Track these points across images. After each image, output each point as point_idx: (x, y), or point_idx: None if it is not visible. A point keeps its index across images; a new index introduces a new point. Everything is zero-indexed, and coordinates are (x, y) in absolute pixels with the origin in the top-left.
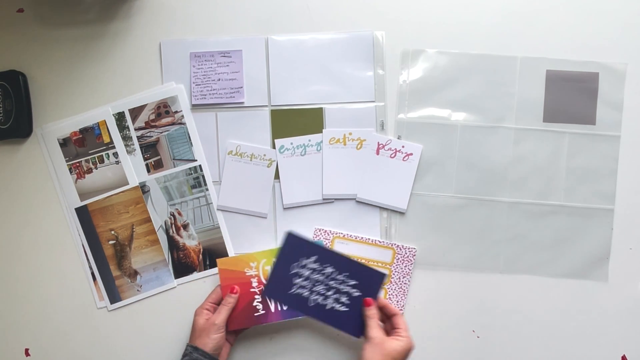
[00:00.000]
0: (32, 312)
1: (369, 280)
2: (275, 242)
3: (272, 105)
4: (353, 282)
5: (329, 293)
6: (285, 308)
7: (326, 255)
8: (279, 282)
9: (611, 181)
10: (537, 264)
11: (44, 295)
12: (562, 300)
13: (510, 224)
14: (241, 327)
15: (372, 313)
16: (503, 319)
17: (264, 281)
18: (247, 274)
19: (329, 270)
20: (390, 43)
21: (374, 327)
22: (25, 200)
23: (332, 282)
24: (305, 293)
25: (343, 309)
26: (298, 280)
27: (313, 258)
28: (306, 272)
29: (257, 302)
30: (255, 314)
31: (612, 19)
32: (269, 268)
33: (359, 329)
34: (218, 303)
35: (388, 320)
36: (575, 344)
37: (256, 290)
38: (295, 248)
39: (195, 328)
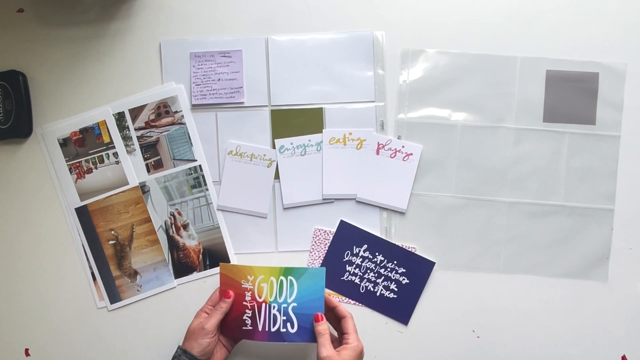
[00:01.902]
0: (32, 312)
1: (418, 268)
2: (275, 245)
3: (272, 105)
4: (402, 270)
5: (379, 280)
6: (273, 329)
7: (377, 244)
8: (332, 269)
9: (611, 181)
10: (537, 264)
11: (44, 295)
12: (562, 300)
13: (510, 224)
14: (230, 336)
15: (322, 329)
16: (503, 319)
17: (258, 299)
18: (242, 285)
19: (380, 258)
20: (390, 43)
21: (325, 345)
22: (25, 200)
23: (382, 270)
24: (357, 280)
25: (392, 296)
26: (350, 268)
27: (364, 246)
28: (358, 260)
29: (247, 316)
30: (243, 328)
31: (612, 19)
32: (265, 286)
33: (406, 315)
34: (215, 306)
35: (338, 324)
36: (575, 344)
37: (247, 304)
38: (347, 236)
39: (188, 330)
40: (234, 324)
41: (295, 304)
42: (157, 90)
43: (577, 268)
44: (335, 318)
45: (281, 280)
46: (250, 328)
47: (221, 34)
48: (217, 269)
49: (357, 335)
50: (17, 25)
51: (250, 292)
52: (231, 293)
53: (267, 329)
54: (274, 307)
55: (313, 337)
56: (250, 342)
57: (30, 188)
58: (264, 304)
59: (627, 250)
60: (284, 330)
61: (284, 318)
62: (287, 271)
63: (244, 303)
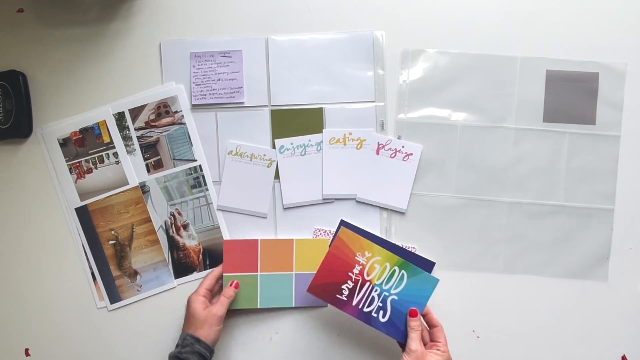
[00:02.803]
0: (32, 312)
1: (420, 267)
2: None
3: (272, 105)
4: None
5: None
6: (366, 310)
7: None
8: None
9: (611, 181)
10: (537, 264)
11: (44, 295)
12: (562, 300)
13: (510, 224)
14: (317, 296)
15: (415, 325)
16: (503, 319)
17: (366, 276)
18: (356, 257)
19: None
20: (390, 43)
21: (416, 340)
22: (25, 200)
23: None
24: None
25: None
26: None
27: None
28: None
29: (346, 287)
30: (337, 296)
31: (612, 19)
32: (377, 267)
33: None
34: (211, 290)
35: (428, 331)
36: (575, 344)
37: (352, 276)
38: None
39: (195, 317)
40: (329, 289)
41: (396, 297)
42: (157, 90)
43: (577, 268)
44: (424, 326)
45: (394, 270)
46: (345, 299)
47: (221, 34)
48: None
49: (447, 348)
50: (17, 25)
51: (362, 266)
52: (237, 283)
53: (359, 307)
54: (375, 290)
55: (398, 334)
56: (250, 342)
57: (30, 188)
58: (368, 283)
59: (627, 250)
60: (375, 315)
61: (380, 304)
62: (404, 265)
63: (350, 274)
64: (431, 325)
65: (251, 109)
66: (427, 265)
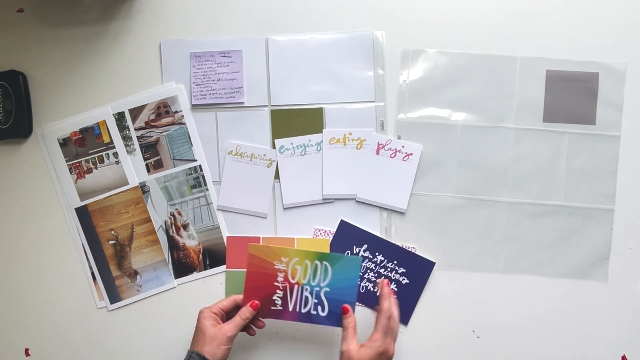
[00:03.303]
0: (32, 312)
1: (418, 268)
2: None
3: (272, 105)
4: (402, 270)
5: (379, 280)
6: (303, 311)
7: (377, 244)
8: None
9: (611, 181)
10: (537, 263)
11: (44, 295)
12: (562, 300)
13: (510, 224)
14: (258, 316)
15: (346, 322)
16: (503, 319)
17: (291, 280)
18: (275, 266)
19: (380, 258)
20: (390, 43)
21: (346, 339)
22: (25, 200)
23: (382, 270)
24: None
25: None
26: None
27: (364, 246)
28: None
29: (277, 297)
30: (272, 308)
31: (612, 19)
32: (299, 268)
33: (406, 316)
34: (226, 312)
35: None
36: (575, 344)
37: (279, 285)
38: (347, 236)
39: (204, 333)
40: (263, 304)
41: (327, 289)
42: (157, 90)
43: (577, 268)
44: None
45: (316, 265)
46: (280, 308)
47: (221, 34)
48: (217, 269)
49: (386, 336)
50: (17, 25)
51: (284, 273)
52: (257, 303)
53: (297, 310)
54: (306, 290)
55: (341, 323)
56: (249, 342)
57: (30, 188)
58: (296, 286)
59: (627, 250)
60: (314, 312)
61: (315, 301)
62: (322, 256)
63: (275, 284)
64: (378, 310)
65: (251, 109)
66: (427, 265)
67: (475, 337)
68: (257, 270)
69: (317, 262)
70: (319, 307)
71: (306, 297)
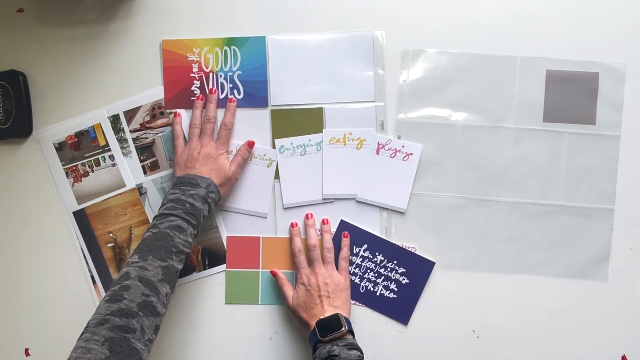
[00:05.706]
0: (32, 314)
1: (418, 268)
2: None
3: (272, 105)
4: (402, 270)
5: (379, 280)
6: (222, 96)
7: (377, 243)
8: None
9: (611, 181)
10: (537, 264)
11: (43, 298)
12: (562, 300)
13: (510, 224)
14: (179, 107)
15: (280, 282)
16: (503, 319)
17: (205, 69)
18: (189, 58)
19: (380, 258)
20: (390, 43)
21: (284, 291)
22: (25, 200)
23: (382, 270)
24: (357, 280)
25: (392, 295)
26: (350, 268)
27: (364, 246)
28: (357, 260)
29: (195, 87)
30: (192, 98)
31: (612, 19)
32: (210, 57)
33: (406, 316)
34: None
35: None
36: (575, 344)
37: (195, 75)
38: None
39: (224, 171)
40: (182, 98)
41: (240, 72)
42: (152, 91)
43: (577, 268)
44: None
45: (225, 51)
46: (200, 95)
47: (221, 34)
48: (216, 269)
49: (306, 271)
50: (17, 25)
51: (197, 63)
52: (253, 142)
53: (218, 97)
54: (221, 76)
55: (258, 102)
56: (249, 341)
57: (29, 188)
58: (211, 74)
59: (627, 250)
60: (231, 95)
61: (231, 85)
62: (230, 41)
63: (192, 75)
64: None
65: (251, 109)
66: (427, 265)
67: (475, 337)
68: (172, 64)
69: (226, 47)
70: (235, 91)
71: (222, 83)
